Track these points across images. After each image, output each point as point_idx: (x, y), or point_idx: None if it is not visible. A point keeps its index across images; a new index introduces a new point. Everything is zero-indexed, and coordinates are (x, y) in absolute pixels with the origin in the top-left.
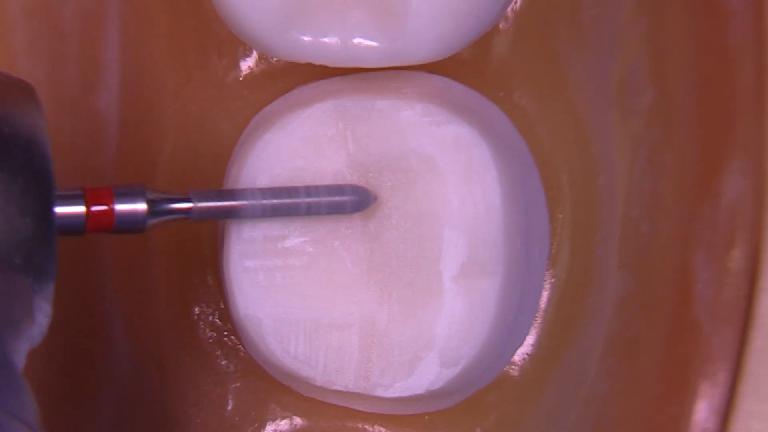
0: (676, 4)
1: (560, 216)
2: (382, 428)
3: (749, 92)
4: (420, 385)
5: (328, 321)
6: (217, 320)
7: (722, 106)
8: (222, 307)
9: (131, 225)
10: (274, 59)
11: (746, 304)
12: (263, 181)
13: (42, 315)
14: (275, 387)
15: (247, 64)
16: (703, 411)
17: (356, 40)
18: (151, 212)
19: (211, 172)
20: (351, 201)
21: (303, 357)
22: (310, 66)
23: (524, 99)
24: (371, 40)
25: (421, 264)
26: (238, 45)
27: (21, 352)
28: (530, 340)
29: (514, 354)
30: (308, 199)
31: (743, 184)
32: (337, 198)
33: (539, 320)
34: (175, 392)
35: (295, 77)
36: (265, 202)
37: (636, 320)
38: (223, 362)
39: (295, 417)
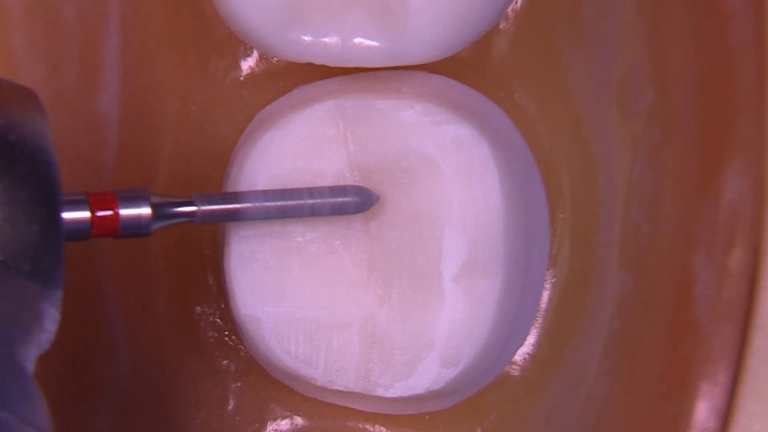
0: (676, 4)
1: (560, 216)
2: (382, 428)
3: (749, 92)
4: (420, 385)
5: (328, 321)
6: (217, 320)
7: (722, 106)
8: (222, 307)
9: (136, 229)
10: (275, 59)
11: (746, 304)
12: (263, 181)
13: (50, 321)
14: (276, 387)
15: (247, 64)
16: (703, 411)
17: (356, 40)
18: (156, 216)
19: (211, 172)
20: (353, 202)
21: (303, 357)
22: (310, 66)
23: (524, 99)
24: (371, 40)
25: (421, 264)
26: (238, 45)
27: (31, 358)
28: (530, 340)
29: (514, 354)
30: (311, 201)
31: (743, 184)
32: (339, 199)
33: (539, 320)
34: (175, 392)
35: (296, 77)
36: (268, 204)
37: (636, 320)
38: (224, 362)
39: (295, 417)
